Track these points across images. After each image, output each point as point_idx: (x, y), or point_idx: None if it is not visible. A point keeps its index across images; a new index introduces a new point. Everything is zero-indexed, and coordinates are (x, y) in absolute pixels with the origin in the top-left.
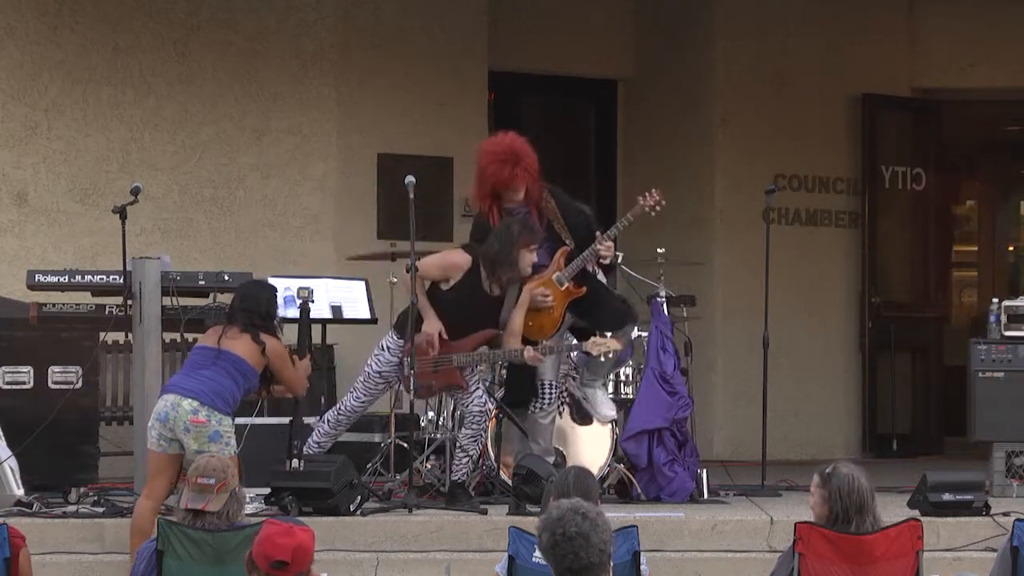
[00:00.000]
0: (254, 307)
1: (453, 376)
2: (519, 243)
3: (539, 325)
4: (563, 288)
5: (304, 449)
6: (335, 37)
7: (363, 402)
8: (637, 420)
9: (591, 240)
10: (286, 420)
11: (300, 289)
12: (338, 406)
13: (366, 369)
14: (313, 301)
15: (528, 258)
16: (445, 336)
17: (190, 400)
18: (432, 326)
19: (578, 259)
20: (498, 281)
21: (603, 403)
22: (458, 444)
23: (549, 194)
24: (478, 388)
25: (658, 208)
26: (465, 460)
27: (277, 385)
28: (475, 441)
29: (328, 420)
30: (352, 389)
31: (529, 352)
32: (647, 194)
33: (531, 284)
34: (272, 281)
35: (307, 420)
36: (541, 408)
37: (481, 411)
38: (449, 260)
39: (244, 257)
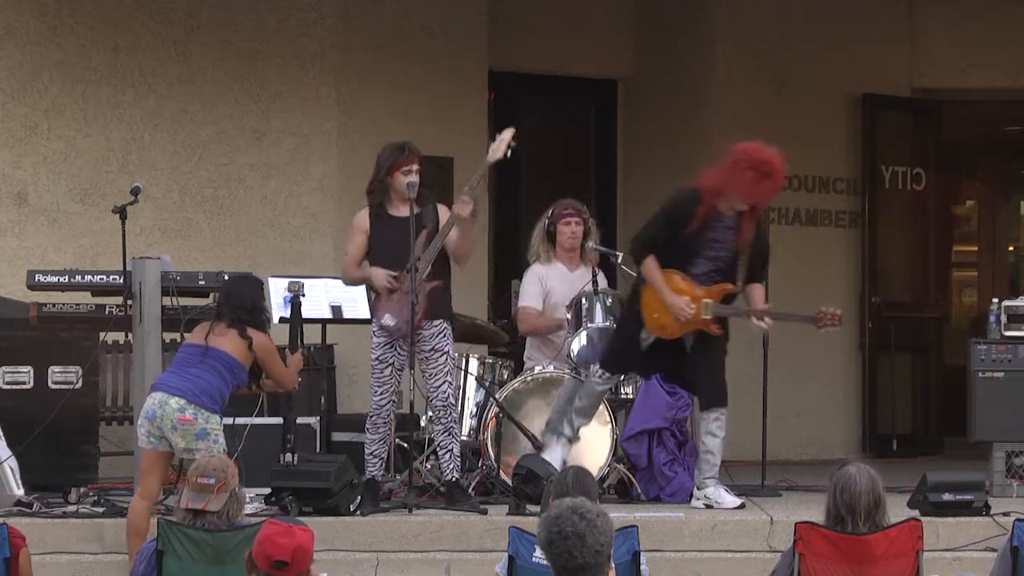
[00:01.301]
0: (240, 302)
1: (425, 287)
2: (386, 168)
3: (662, 323)
4: (704, 316)
5: (366, 467)
6: (335, 37)
7: (380, 394)
8: (637, 420)
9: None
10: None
11: (291, 283)
12: (368, 412)
13: (370, 364)
14: (304, 295)
15: (401, 180)
16: (395, 274)
17: (177, 398)
18: (377, 275)
19: (733, 307)
20: (376, 203)
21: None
22: (437, 444)
23: (757, 231)
24: (443, 383)
25: (833, 327)
26: (448, 457)
27: (266, 380)
28: (450, 435)
29: (367, 428)
30: (370, 389)
31: (456, 206)
32: (829, 313)
33: (684, 288)
34: (272, 281)
35: (307, 421)
36: (601, 376)
37: (444, 405)
38: (353, 224)
39: (244, 257)
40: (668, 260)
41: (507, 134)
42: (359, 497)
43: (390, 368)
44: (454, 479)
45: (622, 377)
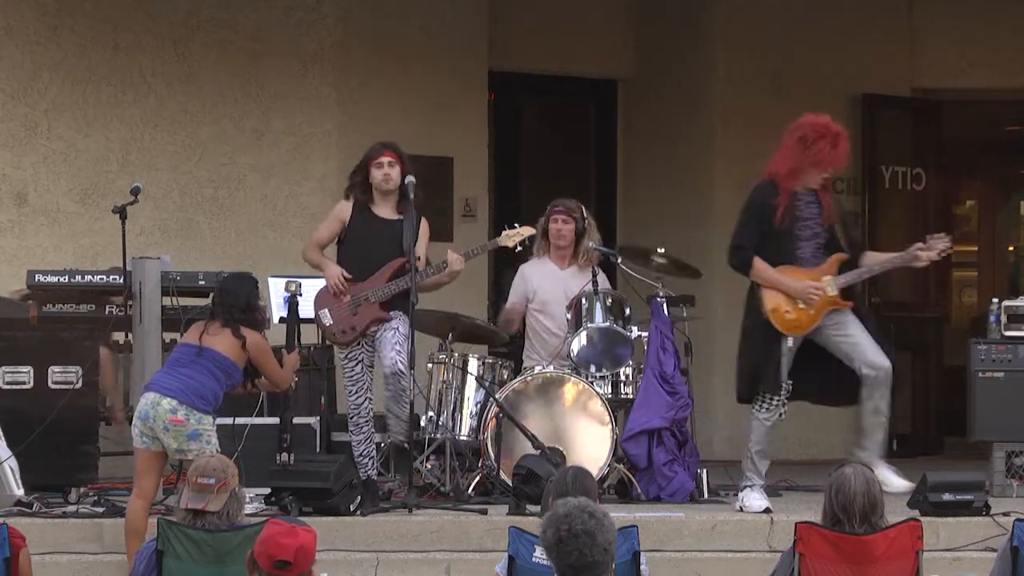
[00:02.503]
0: (234, 301)
1: (373, 311)
2: (364, 162)
3: (795, 320)
4: (830, 293)
5: (359, 468)
6: (335, 37)
7: (355, 392)
8: (637, 420)
9: (854, 253)
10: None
11: (288, 282)
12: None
13: (340, 363)
14: (302, 295)
15: (376, 174)
16: (349, 276)
17: (169, 399)
18: (331, 271)
19: (855, 273)
20: (355, 196)
21: None
22: (385, 409)
23: (833, 199)
24: (391, 351)
25: (943, 255)
26: (395, 421)
27: (262, 380)
28: (397, 402)
29: (351, 430)
30: (345, 389)
31: (452, 255)
32: (940, 236)
33: (801, 276)
34: (271, 281)
35: (306, 421)
36: (763, 407)
37: (392, 372)
38: (334, 210)
39: (244, 257)
40: (772, 257)
41: (525, 231)
42: (359, 497)
43: (360, 365)
44: (402, 443)
45: (784, 401)
